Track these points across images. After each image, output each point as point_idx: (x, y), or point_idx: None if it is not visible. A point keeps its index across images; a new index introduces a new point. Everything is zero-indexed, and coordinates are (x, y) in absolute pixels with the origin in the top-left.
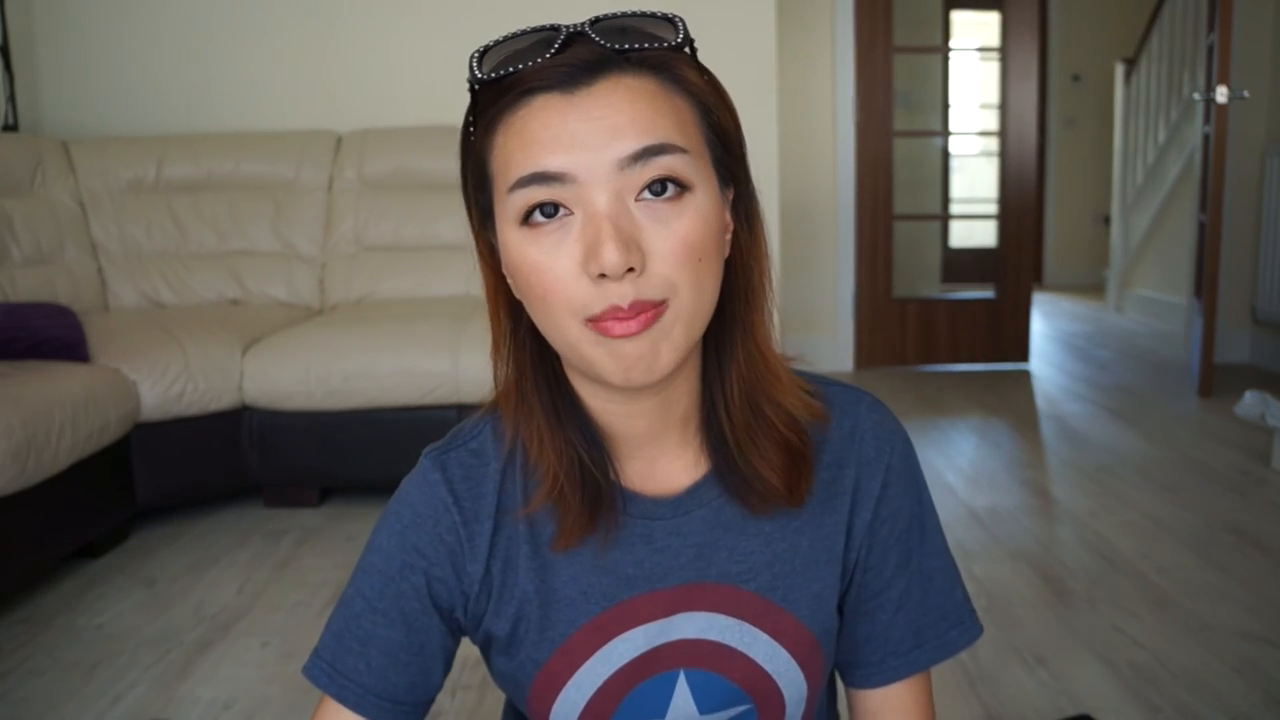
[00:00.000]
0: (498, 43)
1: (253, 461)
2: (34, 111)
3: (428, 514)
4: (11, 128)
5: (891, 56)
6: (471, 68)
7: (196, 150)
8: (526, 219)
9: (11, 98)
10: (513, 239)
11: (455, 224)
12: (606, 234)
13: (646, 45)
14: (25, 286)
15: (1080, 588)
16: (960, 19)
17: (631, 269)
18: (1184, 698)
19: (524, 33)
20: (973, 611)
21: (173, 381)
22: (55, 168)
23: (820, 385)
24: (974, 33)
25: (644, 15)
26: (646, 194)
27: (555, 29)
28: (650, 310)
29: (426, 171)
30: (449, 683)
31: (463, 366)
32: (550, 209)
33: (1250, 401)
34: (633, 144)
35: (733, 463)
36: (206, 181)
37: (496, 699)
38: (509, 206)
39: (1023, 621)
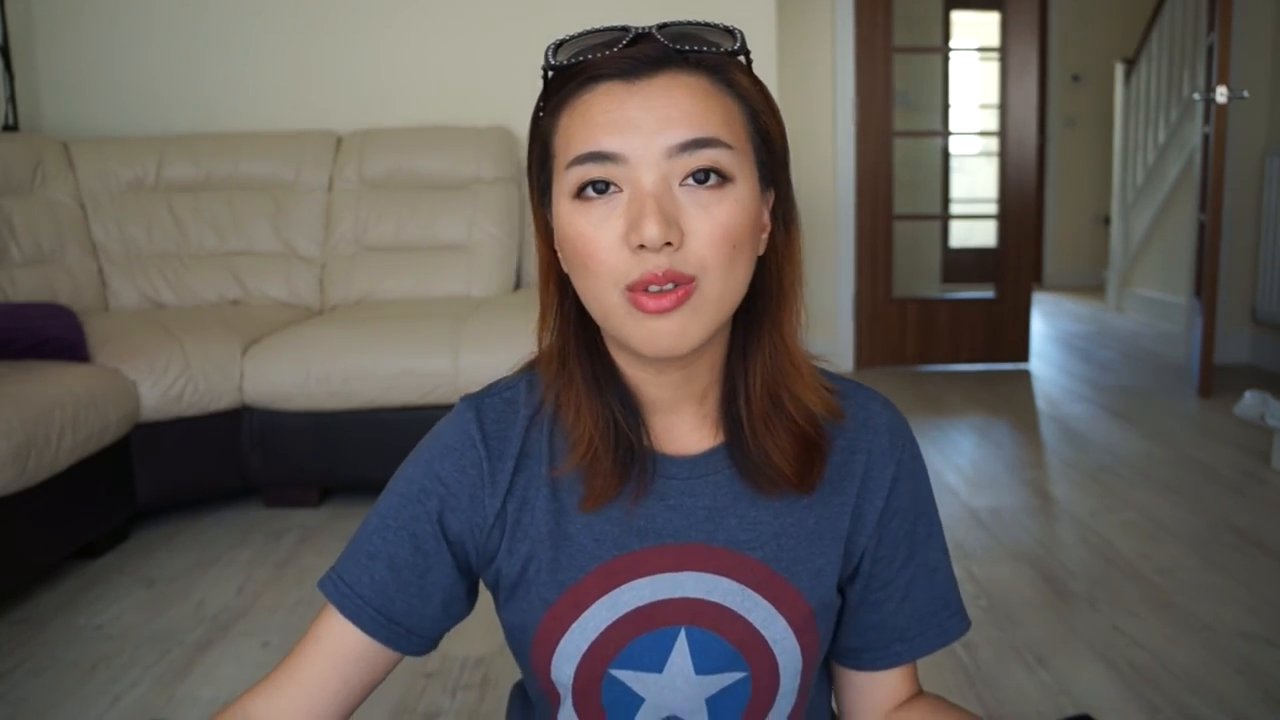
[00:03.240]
0: (573, 37)
1: (253, 461)
2: (34, 111)
3: (455, 446)
4: (11, 128)
5: (891, 56)
6: (547, 56)
7: (196, 150)
8: (580, 193)
9: (11, 98)
10: (565, 211)
11: (455, 224)
12: (649, 210)
13: (705, 49)
14: (25, 286)
15: (1080, 588)
16: (960, 19)
17: (669, 244)
18: (1184, 698)
19: (596, 30)
20: (963, 604)
21: (173, 381)
22: (55, 168)
23: (837, 382)
24: (974, 33)
25: (706, 25)
26: (690, 180)
27: (625, 29)
28: (683, 288)
29: (426, 171)
30: (449, 682)
31: (463, 366)
32: (601, 185)
33: (1250, 401)
34: (683, 134)
35: (746, 447)
36: (206, 181)
37: (496, 699)
38: (566, 181)
39: (1023, 621)
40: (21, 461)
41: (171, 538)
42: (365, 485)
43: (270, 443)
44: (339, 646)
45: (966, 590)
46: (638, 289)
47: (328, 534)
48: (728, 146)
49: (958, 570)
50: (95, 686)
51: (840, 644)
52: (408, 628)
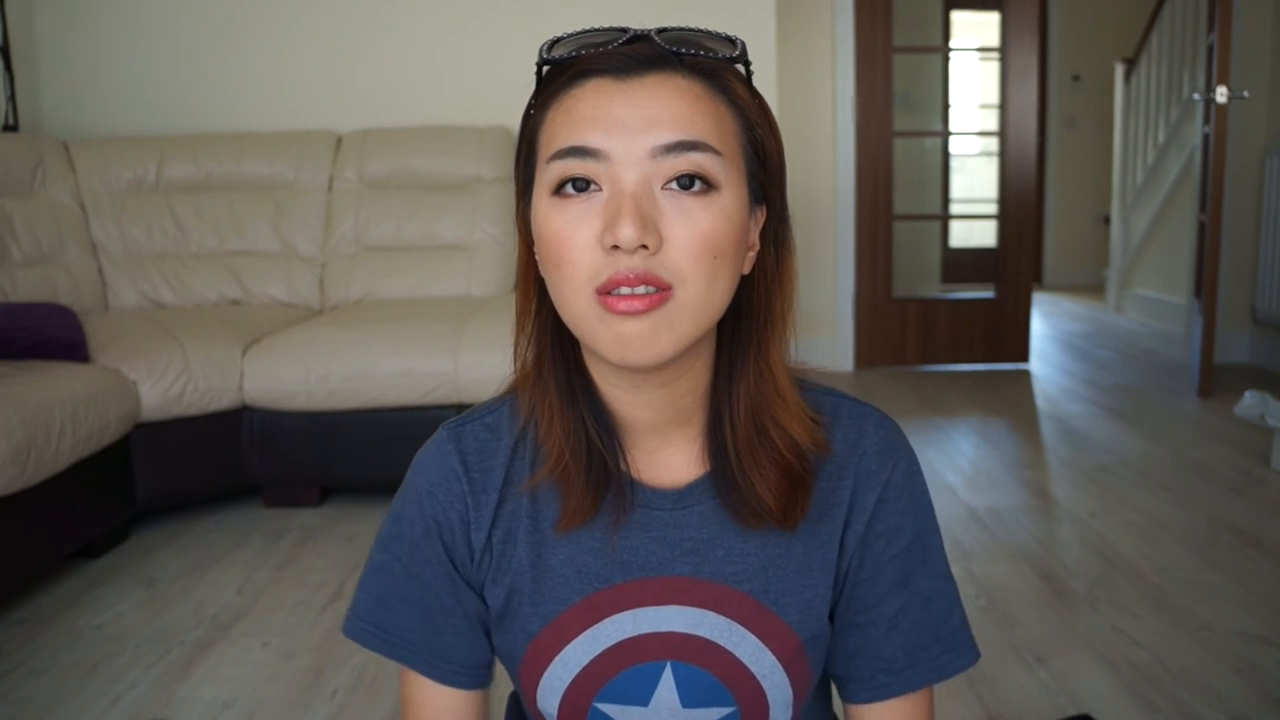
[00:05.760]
0: (570, 34)
1: (253, 461)
2: (34, 111)
3: (439, 482)
4: (11, 128)
5: (891, 56)
6: (541, 51)
7: (196, 150)
8: (559, 189)
9: (11, 98)
10: (543, 207)
11: (455, 224)
12: (626, 210)
13: (702, 53)
14: (25, 286)
15: (1080, 588)
16: (960, 19)
17: (645, 247)
18: (1184, 698)
19: (595, 30)
20: (970, 637)
21: (173, 381)
22: (55, 168)
23: (830, 397)
24: (974, 33)
25: (707, 32)
26: (674, 185)
27: (623, 30)
28: (656, 294)
29: (426, 171)
30: None
31: (463, 366)
32: (581, 184)
33: (1250, 401)
34: (668, 135)
35: (731, 476)
36: (206, 181)
37: (495, 700)
38: (546, 176)
39: (1023, 621)
40: (21, 461)
41: (171, 538)
42: (365, 485)
43: (270, 443)
44: (436, 704)
45: (966, 590)
46: (608, 290)
47: (328, 534)
48: (715, 152)
49: (957, 570)
50: (96, 687)
51: (826, 671)
52: (461, 665)
